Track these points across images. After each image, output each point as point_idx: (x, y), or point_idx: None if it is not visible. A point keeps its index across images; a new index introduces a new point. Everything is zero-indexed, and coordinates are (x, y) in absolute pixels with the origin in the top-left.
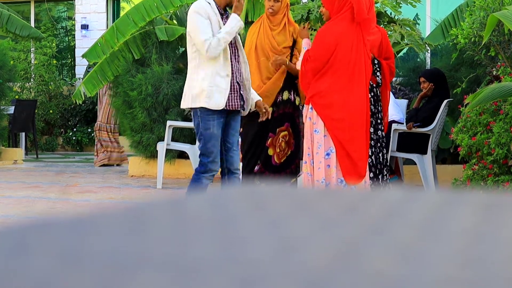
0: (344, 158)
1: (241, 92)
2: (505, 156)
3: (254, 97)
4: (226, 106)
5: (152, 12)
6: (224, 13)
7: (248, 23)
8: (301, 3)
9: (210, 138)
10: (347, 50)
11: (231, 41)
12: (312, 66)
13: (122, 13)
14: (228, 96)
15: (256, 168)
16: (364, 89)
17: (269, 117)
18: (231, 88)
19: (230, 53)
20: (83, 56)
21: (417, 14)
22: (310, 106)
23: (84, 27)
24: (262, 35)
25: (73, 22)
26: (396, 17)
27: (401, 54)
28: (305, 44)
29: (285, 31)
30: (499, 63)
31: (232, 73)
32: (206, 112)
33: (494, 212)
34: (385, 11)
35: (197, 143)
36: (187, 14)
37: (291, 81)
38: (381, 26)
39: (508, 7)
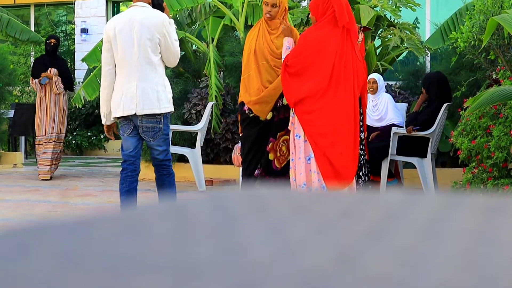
0: (324, 164)
1: None
2: (505, 159)
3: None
4: None
5: None
6: None
7: (247, 27)
8: (301, 7)
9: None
10: (330, 54)
11: None
12: (292, 71)
13: None
14: None
15: (256, 172)
16: (350, 95)
17: None
18: None
19: None
20: (83, 60)
21: (416, 17)
22: (293, 111)
23: (84, 31)
24: (261, 39)
25: (73, 26)
26: (395, 21)
27: (400, 57)
28: (287, 43)
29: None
30: (498, 67)
31: None
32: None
33: (493, 215)
34: (385, 15)
35: (161, 146)
36: (186, 18)
37: None
38: (381, 30)
39: (507, 11)
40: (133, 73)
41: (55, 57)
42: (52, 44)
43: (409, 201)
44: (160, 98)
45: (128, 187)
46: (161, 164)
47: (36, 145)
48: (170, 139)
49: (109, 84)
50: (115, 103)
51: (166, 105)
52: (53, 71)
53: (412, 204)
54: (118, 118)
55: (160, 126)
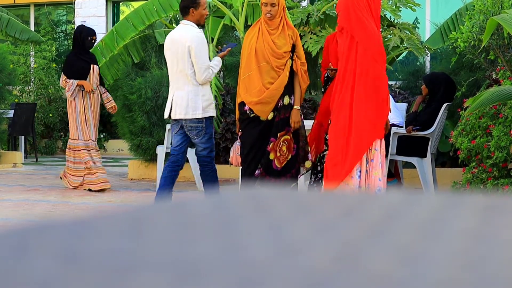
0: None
1: None
2: (505, 159)
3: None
4: None
5: (152, 16)
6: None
7: (247, 27)
8: (301, 7)
9: (213, 137)
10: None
11: None
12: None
13: (121, 17)
14: None
15: (257, 172)
16: (348, 93)
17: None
18: None
19: None
20: None
21: (416, 17)
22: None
23: None
24: (262, 39)
25: (73, 25)
26: (395, 21)
27: (400, 57)
28: None
29: (284, 34)
30: (498, 67)
31: None
32: (211, 118)
33: (493, 215)
34: (385, 15)
35: (198, 147)
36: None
37: (291, 86)
38: (381, 30)
39: (507, 11)
40: (173, 83)
41: (90, 53)
42: (93, 41)
43: (409, 201)
44: (189, 105)
45: (166, 174)
46: (203, 160)
47: (68, 150)
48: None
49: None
50: (166, 107)
51: (198, 112)
52: (95, 72)
53: (412, 204)
54: (169, 118)
55: (202, 125)
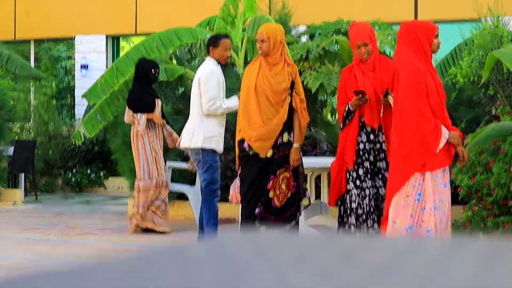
0: None
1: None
2: (505, 196)
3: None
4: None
5: (152, 52)
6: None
7: (247, 63)
8: (300, 43)
9: (217, 169)
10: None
11: None
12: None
13: (122, 53)
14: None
15: (256, 210)
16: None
17: None
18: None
19: None
20: (83, 96)
21: None
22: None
23: (84, 66)
24: (261, 75)
25: (73, 61)
26: None
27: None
28: None
29: (283, 71)
30: (498, 102)
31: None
32: (214, 152)
33: (493, 261)
34: (384, 51)
35: (198, 179)
36: (186, 54)
37: (291, 123)
38: None
39: (506, 46)
40: (190, 114)
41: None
42: (157, 74)
43: (410, 245)
44: (193, 135)
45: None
46: (203, 192)
47: (138, 193)
48: (170, 177)
49: None
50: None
51: (196, 140)
52: (159, 106)
53: (413, 248)
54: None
55: (199, 157)
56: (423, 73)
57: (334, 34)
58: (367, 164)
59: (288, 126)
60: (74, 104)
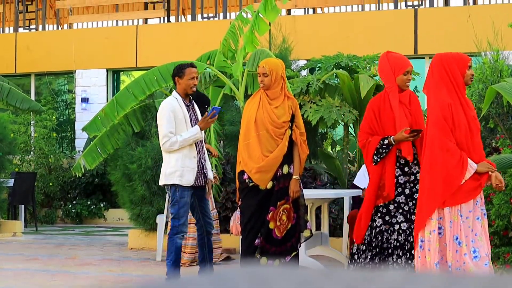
0: None
1: (204, 170)
2: (506, 227)
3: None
4: (194, 182)
5: (152, 86)
6: (189, 103)
7: (247, 96)
8: (300, 76)
9: (184, 205)
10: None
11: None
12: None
13: (122, 87)
14: (196, 174)
15: (257, 241)
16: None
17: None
18: (197, 168)
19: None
20: (83, 129)
21: (416, 86)
22: None
23: (84, 100)
24: (262, 109)
25: (73, 95)
26: None
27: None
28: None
29: (284, 105)
30: (498, 135)
31: (198, 155)
32: (180, 186)
33: None
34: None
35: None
36: None
37: (291, 155)
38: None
39: (506, 79)
40: None
41: None
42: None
43: (411, 279)
44: (161, 173)
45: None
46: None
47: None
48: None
49: None
50: None
51: (160, 178)
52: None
53: (414, 282)
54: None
55: (168, 192)
56: (452, 106)
57: (334, 68)
58: (399, 198)
59: (288, 158)
60: (74, 137)
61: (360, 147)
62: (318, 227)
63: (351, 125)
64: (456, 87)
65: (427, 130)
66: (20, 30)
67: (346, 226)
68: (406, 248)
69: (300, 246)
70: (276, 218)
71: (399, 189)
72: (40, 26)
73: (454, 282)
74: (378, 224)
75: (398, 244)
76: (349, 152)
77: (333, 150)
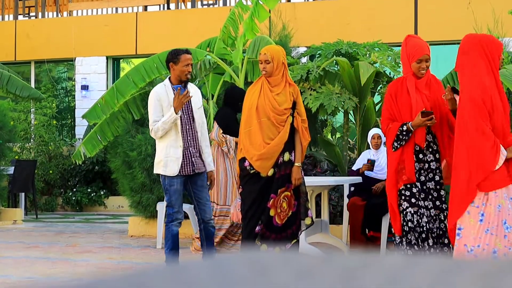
0: None
1: (192, 159)
2: None
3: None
4: (179, 172)
5: (152, 73)
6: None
7: (247, 84)
8: (300, 63)
9: (174, 193)
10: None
11: (186, 116)
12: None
13: (122, 74)
14: (181, 164)
15: (257, 228)
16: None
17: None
18: (183, 157)
19: (182, 126)
20: (83, 116)
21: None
22: None
23: (84, 87)
24: (263, 96)
25: (73, 82)
26: (395, 77)
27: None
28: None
29: (285, 91)
30: None
31: (184, 144)
32: (167, 175)
33: (494, 280)
34: (384, 71)
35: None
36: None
37: (292, 142)
38: (380, 86)
39: (506, 67)
40: None
41: None
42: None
43: (410, 264)
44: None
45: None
46: None
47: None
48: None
49: None
50: None
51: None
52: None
53: (413, 268)
54: None
55: (161, 181)
56: (490, 89)
57: (334, 55)
58: (418, 184)
59: (289, 145)
60: (74, 125)
61: (383, 133)
62: (318, 215)
63: (351, 112)
64: (494, 69)
65: (459, 110)
66: (20, 17)
67: (346, 214)
68: (438, 233)
69: (300, 233)
70: (277, 205)
71: (416, 175)
72: (40, 14)
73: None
74: (405, 207)
75: (430, 228)
76: (349, 140)
77: (333, 137)
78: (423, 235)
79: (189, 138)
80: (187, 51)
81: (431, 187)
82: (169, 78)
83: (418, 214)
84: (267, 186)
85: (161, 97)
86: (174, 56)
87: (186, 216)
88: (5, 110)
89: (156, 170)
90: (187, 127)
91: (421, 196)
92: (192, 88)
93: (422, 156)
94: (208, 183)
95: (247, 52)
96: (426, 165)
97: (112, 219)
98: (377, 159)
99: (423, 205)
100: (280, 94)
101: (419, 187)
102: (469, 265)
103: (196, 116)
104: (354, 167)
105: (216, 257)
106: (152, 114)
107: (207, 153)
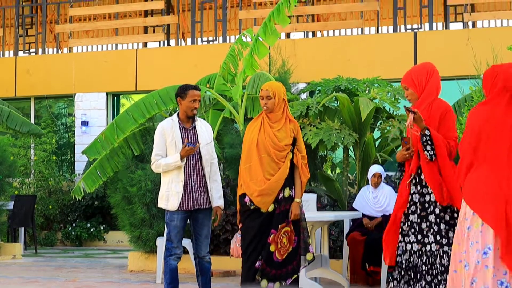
0: None
1: (194, 194)
2: None
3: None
4: (180, 207)
5: (152, 109)
6: (192, 125)
7: (247, 120)
8: (300, 100)
9: (174, 228)
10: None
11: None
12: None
13: (122, 110)
14: (182, 198)
15: (257, 264)
16: None
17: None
18: (184, 192)
19: (187, 161)
20: (83, 152)
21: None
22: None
23: (84, 123)
24: (263, 132)
25: (73, 118)
26: (394, 113)
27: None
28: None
29: (285, 128)
30: None
31: (186, 179)
32: (168, 210)
33: None
34: (384, 107)
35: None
36: None
37: (292, 178)
38: (380, 121)
39: None
40: None
41: None
42: None
43: None
44: None
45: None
46: None
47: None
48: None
49: None
50: None
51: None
52: None
53: None
54: None
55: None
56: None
57: (334, 91)
58: (412, 217)
59: (289, 181)
60: (74, 160)
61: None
62: (318, 249)
63: (351, 147)
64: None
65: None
66: (20, 53)
67: (346, 248)
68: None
69: (301, 269)
70: (277, 241)
71: (413, 208)
72: (40, 50)
73: None
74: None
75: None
76: (348, 175)
77: (333, 172)
78: (418, 276)
79: (192, 173)
80: (195, 87)
81: (432, 220)
82: (178, 114)
83: (414, 252)
84: (267, 222)
85: (166, 132)
86: (182, 91)
87: (186, 251)
88: (5, 146)
89: (159, 204)
90: (192, 162)
91: (411, 231)
92: (203, 124)
93: (420, 188)
94: (213, 218)
95: (246, 88)
96: (423, 198)
97: (111, 254)
98: (376, 196)
99: (410, 240)
100: (280, 130)
101: (416, 220)
102: None
103: (204, 152)
104: (354, 204)
105: None
106: (155, 148)
107: (215, 189)
